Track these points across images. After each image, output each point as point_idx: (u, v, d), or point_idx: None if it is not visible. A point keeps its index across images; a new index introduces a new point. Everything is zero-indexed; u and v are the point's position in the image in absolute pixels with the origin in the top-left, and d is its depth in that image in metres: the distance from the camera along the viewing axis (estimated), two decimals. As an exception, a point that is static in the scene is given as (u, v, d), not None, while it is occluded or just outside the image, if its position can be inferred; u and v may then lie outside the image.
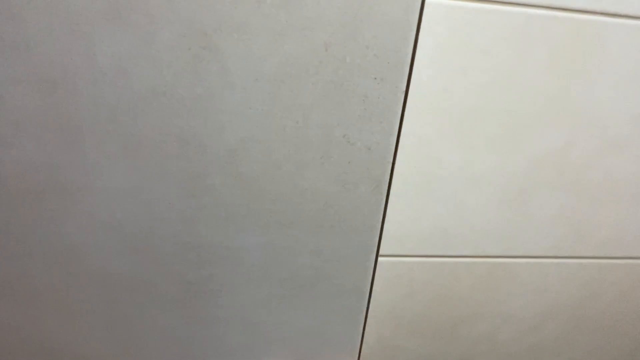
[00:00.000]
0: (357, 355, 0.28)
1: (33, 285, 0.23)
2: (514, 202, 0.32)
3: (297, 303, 0.25)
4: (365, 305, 0.26)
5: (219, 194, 0.22)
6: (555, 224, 0.34)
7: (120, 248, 0.23)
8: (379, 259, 0.26)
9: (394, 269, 0.27)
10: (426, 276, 0.31)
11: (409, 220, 0.26)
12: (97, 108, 0.20)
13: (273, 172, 0.22)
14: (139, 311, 0.24)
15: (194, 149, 0.22)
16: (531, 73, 0.28)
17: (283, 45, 0.20)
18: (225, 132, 0.21)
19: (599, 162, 0.30)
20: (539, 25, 0.27)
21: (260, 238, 0.23)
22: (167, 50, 0.20)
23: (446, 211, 0.29)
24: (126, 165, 0.21)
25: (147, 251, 0.23)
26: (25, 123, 0.20)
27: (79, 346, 0.23)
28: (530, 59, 0.27)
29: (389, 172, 0.23)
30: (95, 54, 0.20)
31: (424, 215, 0.27)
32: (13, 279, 0.23)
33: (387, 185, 0.23)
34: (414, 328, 0.33)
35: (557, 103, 0.29)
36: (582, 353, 0.42)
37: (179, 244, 0.23)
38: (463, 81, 0.24)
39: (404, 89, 0.22)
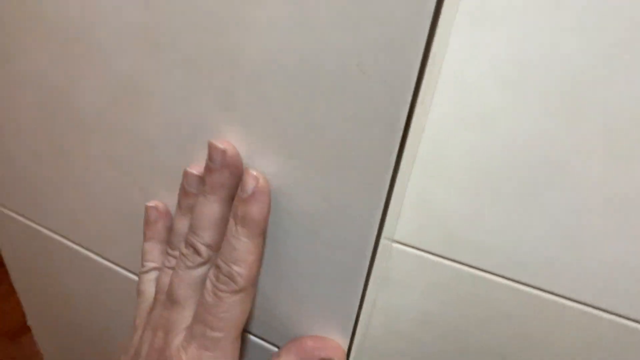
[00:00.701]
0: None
1: (117, 168, 0.31)
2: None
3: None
4: (366, 270, 0.23)
5: (245, 112, 0.24)
6: None
7: (177, 145, 0.28)
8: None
9: (433, 270, 0.22)
10: (507, 306, 0.23)
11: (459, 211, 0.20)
12: (170, 24, 0.25)
13: (291, 98, 0.22)
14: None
15: (229, 66, 0.23)
16: None
17: (306, -42, 0.19)
18: (253, 52, 0.22)
19: None
20: None
21: (271, 167, 0.24)
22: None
23: (510, 217, 0.20)
24: (182, 75, 0.25)
25: (194, 151, 0.27)
26: (126, 34, 0.27)
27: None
28: None
29: (406, 112, 0.19)
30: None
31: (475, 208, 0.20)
32: (107, 165, 0.31)
33: (401, 130, 0.19)
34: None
35: None
36: None
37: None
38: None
39: (433, 7, 0.17)
